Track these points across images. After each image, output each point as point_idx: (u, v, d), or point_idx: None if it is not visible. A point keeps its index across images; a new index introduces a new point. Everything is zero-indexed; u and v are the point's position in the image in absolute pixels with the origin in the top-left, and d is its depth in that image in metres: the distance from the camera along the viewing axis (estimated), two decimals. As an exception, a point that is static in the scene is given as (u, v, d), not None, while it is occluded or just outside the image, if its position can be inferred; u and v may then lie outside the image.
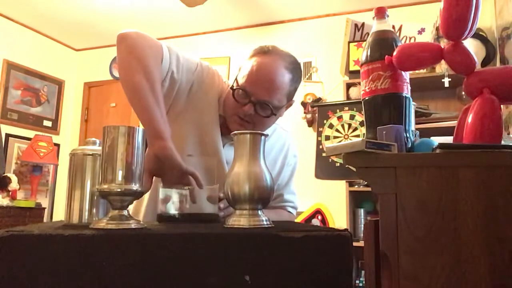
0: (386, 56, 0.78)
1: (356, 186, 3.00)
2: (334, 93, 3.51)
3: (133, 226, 0.69)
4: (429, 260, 0.63)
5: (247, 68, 1.14)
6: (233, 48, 4.01)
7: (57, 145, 4.42)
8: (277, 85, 1.12)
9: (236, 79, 1.17)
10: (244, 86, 1.12)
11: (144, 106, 0.98)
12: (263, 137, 0.79)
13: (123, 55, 1.05)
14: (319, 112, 2.87)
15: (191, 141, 1.16)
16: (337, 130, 2.75)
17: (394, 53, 0.77)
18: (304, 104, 3.69)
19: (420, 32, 2.94)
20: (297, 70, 1.18)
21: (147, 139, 0.94)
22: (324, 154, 2.71)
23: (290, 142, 1.37)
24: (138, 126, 0.76)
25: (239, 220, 0.75)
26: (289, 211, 1.36)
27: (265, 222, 0.76)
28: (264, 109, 1.13)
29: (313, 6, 3.71)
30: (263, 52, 1.14)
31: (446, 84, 2.61)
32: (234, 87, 1.14)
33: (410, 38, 2.96)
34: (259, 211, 0.77)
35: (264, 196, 0.76)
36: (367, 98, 0.82)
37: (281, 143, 1.33)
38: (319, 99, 3.66)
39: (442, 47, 0.76)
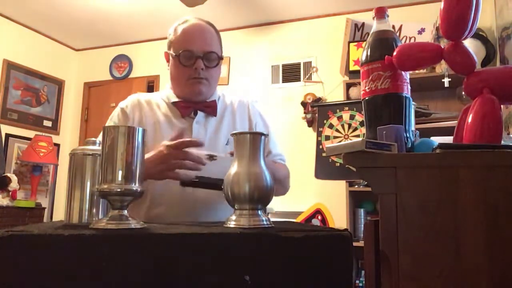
0: (386, 56, 0.78)
1: (356, 186, 3.00)
2: (334, 93, 3.51)
3: (133, 226, 0.69)
4: (429, 260, 0.63)
5: (178, 35, 1.26)
6: (233, 48, 4.00)
7: (57, 145, 4.41)
8: (209, 35, 1.28)
9: (173, 51, 1.27)
10: (185, 47, 1.23)
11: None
12: (263, 137, 0.79)
13: None
14: (319, 112, 2.88)
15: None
16: (337, 130, 2.76)
17: (394, 53, 0.77)
18: (304, 104, 3.69)
19: (420, 32, 2.94)
20: (214, 27, 1.32)
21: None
22: (324, 154, 2.72)
23: (252, 107, 1.39)
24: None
25: (239, 220, 0.75)
26: (279, 163, 1.37)
27: (265, 222, 0.76)
28: (211, 59, 1.25)
29: (313, 6, 3.71)
30: (183, 22, 1.29)
31: (446, 84, 2.61)
32: (176, 54, 1.24)
33: (410, 38, 2.96)
34: (259, 211, 0.76)
35: (264, 196, 0.76)
36: (367, 98, 0.82)
37: (242, 108, 1.37)
38: (319, 99, 3.66)
39: (442, 47, 0.76)
